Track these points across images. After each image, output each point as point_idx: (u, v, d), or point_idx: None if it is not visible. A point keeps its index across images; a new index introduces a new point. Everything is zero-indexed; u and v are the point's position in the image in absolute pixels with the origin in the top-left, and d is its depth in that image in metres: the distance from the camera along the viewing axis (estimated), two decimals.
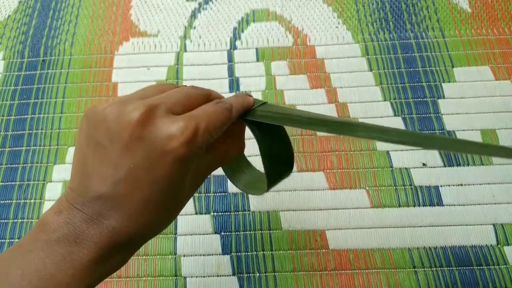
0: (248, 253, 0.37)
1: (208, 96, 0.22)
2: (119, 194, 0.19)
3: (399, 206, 0.38)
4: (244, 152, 0.24)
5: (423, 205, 0.38)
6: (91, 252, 0.19)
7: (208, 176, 0.23)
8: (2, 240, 0.38)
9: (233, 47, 0.47)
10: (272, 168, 0.18)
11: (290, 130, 0.42)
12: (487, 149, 0.16)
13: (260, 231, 0.38)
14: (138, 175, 0.19)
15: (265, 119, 0.18)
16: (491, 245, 0.36)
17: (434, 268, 0.35)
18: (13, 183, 0.41)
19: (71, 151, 0.42)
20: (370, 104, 0.43)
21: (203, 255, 0.37)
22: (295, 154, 0.41)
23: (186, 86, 0.23)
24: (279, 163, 0.18)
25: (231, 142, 0.24)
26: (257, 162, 0.22)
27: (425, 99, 0.43)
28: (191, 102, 0.21)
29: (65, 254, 0.19)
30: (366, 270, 0.36)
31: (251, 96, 0.23)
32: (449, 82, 0.44)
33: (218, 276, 0.36)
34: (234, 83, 0.45)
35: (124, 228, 0.19)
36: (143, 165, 0.19)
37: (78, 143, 0.21)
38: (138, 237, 0.20)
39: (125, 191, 0.20)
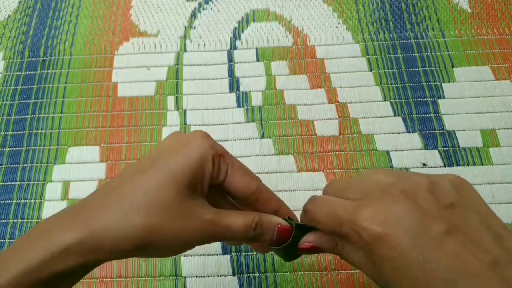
0: (248, 253, 0.37)
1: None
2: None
3: None
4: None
5: None
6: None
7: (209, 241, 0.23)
8: (2, 240, 0.38)
9: (233, 47, 0.47)
10: (289, 256, 0.26)
11: (290, 130, 0.42)
12: None
13: None
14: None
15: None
16: None
17: None
18: (13, 183, 0.41)
19: (71, 151, 0.42)
20: (370, 104, 0.43)
21: (203, 255, 0.37)
22: (295, 154, 0.41)
23: None
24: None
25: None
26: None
27: (425, 99, 0.43)
28: None
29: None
30: None
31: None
32: (449, 82, 0.44)
33: (218, 276, 0.36)
34: (234, 83, 0.45)
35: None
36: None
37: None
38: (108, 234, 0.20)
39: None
